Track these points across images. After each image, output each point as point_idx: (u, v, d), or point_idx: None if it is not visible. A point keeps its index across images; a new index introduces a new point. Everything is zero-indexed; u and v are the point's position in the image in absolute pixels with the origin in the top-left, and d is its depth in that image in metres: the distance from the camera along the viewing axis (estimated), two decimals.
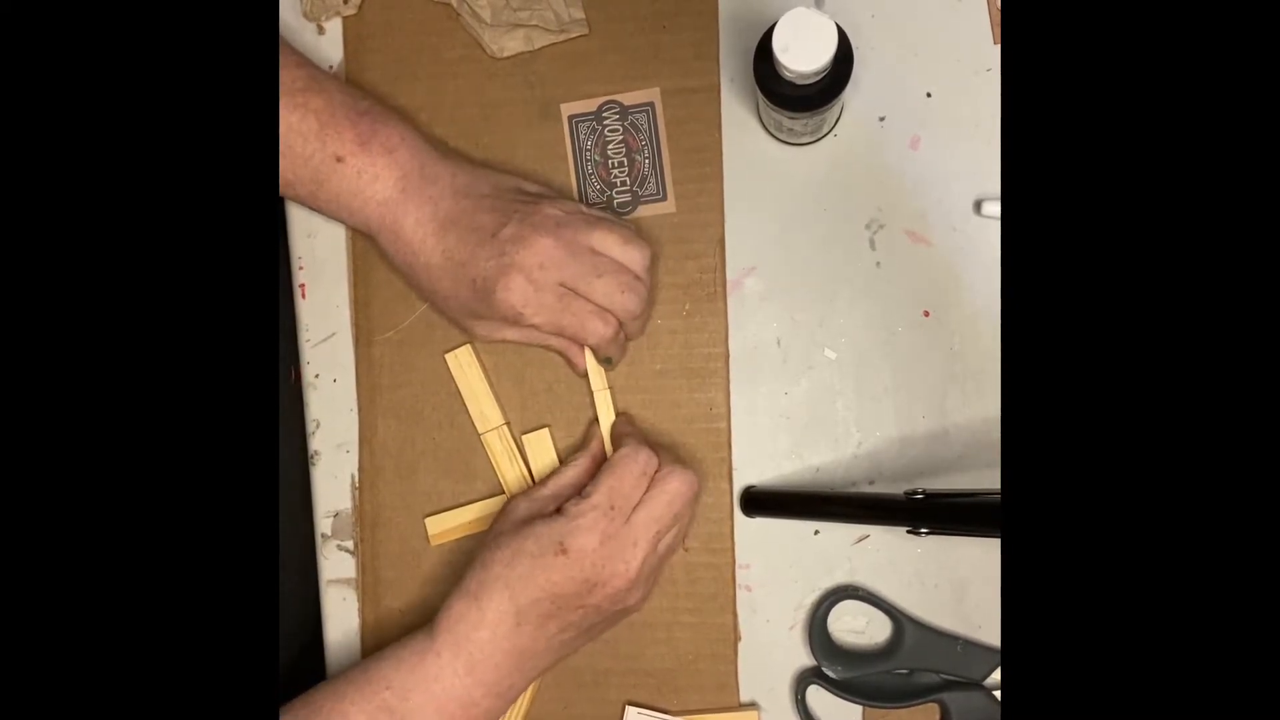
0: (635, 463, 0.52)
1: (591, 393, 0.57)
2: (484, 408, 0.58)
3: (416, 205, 0.53)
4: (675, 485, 0.52)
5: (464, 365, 0.58)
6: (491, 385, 0.58)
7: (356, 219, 0.54)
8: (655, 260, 0.55)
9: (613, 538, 0.50)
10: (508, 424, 0.58)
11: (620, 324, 0.54)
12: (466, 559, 0.58)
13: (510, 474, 0.58)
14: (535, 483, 0.57)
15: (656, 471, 0.52)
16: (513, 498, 0.55)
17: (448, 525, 0.58)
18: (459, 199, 0.53)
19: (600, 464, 0.54)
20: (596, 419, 0.57)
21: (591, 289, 0.52)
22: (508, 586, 0.50)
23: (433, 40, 0.59)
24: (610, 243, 0.53)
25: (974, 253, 0.56)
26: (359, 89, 0.56)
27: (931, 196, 0.56)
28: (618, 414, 0.57)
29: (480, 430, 0.58)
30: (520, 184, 0.55)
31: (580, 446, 0.57)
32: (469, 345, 0.58)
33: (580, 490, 0.53)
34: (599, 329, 0.53)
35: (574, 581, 0.50)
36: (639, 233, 0.55)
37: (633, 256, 0.53)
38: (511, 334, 0.55)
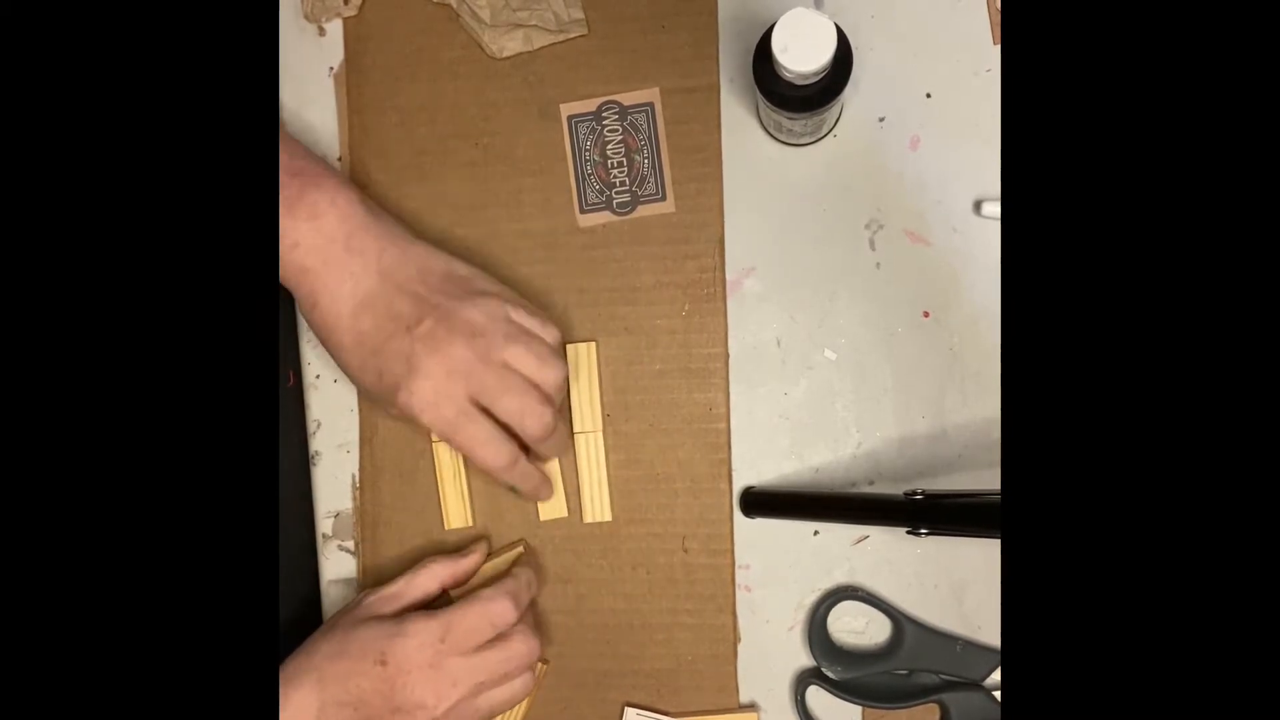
0: (490, 605, 0.51)
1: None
2: None
3: (336, 280, 0.50)
4: (517, 646, 0.51)
5: None
6: None
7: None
8: (566, 382, 0.54)
9: (434, 668, 0.49)
10: None
11: (519, 453, 0.52)
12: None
13: (450, 491, 0.58)
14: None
15: (511, 627, 0.51)
16: (368, 590, 0.54)
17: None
18: (382, 280, 0.51)
19: (461, 578, 0.54)
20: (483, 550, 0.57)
21: (494, 405, 0.51)
22: (320, 680, 0.49)
23: (433, 40, 0.59)
24: (526, 362, 0.51)
25: (974, 253, 0.56)
26: (306, 148, 0.53)
27: (931, 197, 0.56)
28: (524, 551, 0.57)
29: (434, 439, 0.58)
30: (452, 267, 0.53)
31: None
32: None
33: (428, 602, 0.52)
34: (489, 457, 0.51)
35: (381, 696, 0.49)
36: (557, 349, 0.54)
37: (546, 377, 0.52)
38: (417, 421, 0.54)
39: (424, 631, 0.50)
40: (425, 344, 0.50)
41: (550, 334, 0.54)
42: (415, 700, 0.49)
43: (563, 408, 0.56)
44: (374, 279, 0.51)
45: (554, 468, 0.58)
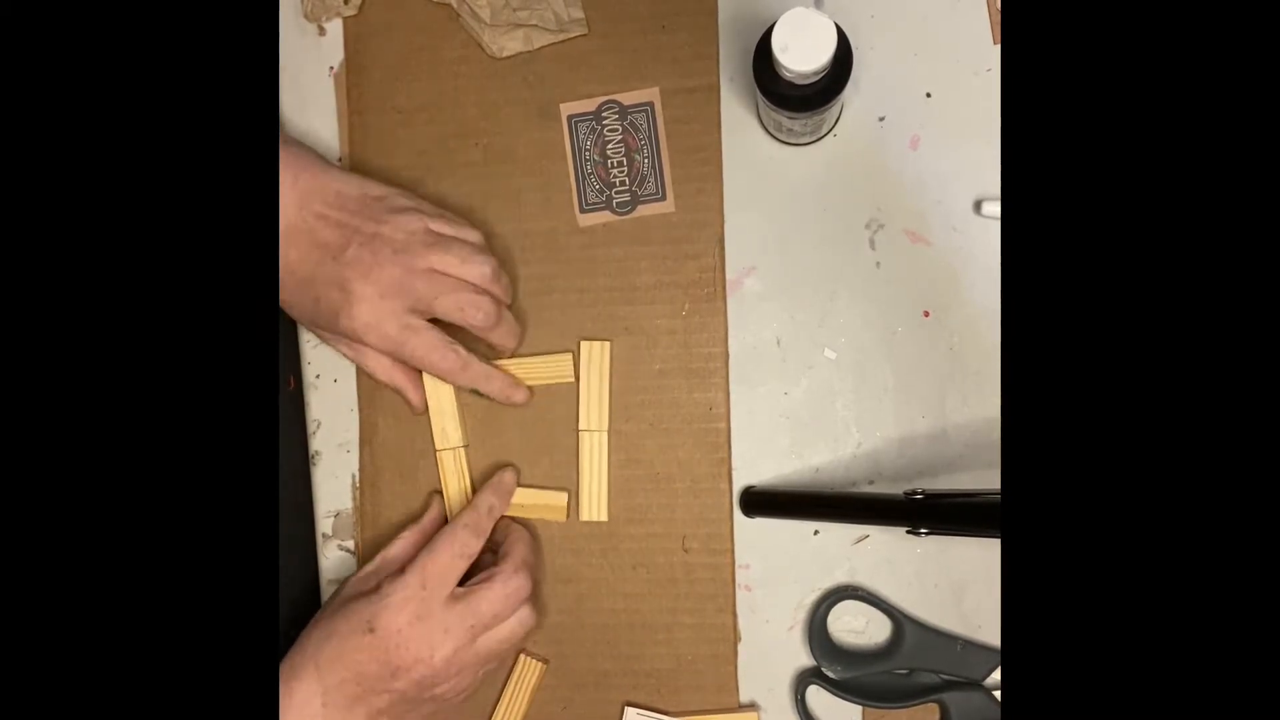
0: (453, 542, 0.51)
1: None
2: (446, 425, 0.58)
3: None
4: (498, 588, 0.51)
5: (437, 382, 0.57)
6: (461, 408, 0.58)
7: None
8: (500, 269, 0.54)
9: (421, 619, 0.49)
10: (466, 447, 0.58)
11: (470, 355, 0.53)
12: None
13: (454, 494, 0.58)
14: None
15: (494, 567, 0.52)
16: (347, 577, 0.55)
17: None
18: (300, 209, 0.52)
19: (430, 534, 0.54)
20: (440, 490, 0.58)
21: (433, 309, 0.52)
22: (317, 668, 0.49)
23: (433, 40, 0.59)
24: (448, 263, 0.52)
25: (974, 253, 0.56)
26: None
27: (931, 196, 0.56)
28: (497, 504, 0.56)
29: (437, 447, 0.58)
30: (365, 189, 0.54)
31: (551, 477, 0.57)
32: None
33: (401, 567, 0.52)
34: (440, 361, 0.53)
35: (378, 663, 0.49)
36: (481, 245, 0.55)
37: (471, 272, 0.52)
38: (348, 351, 0.56)
39: (401, 588, 0.50)
40: (354, 269, 0.51)
41: (471, 234, 0.55)
42: (411, 656, 0.49)
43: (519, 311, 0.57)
44: (294, 209, 0.52)
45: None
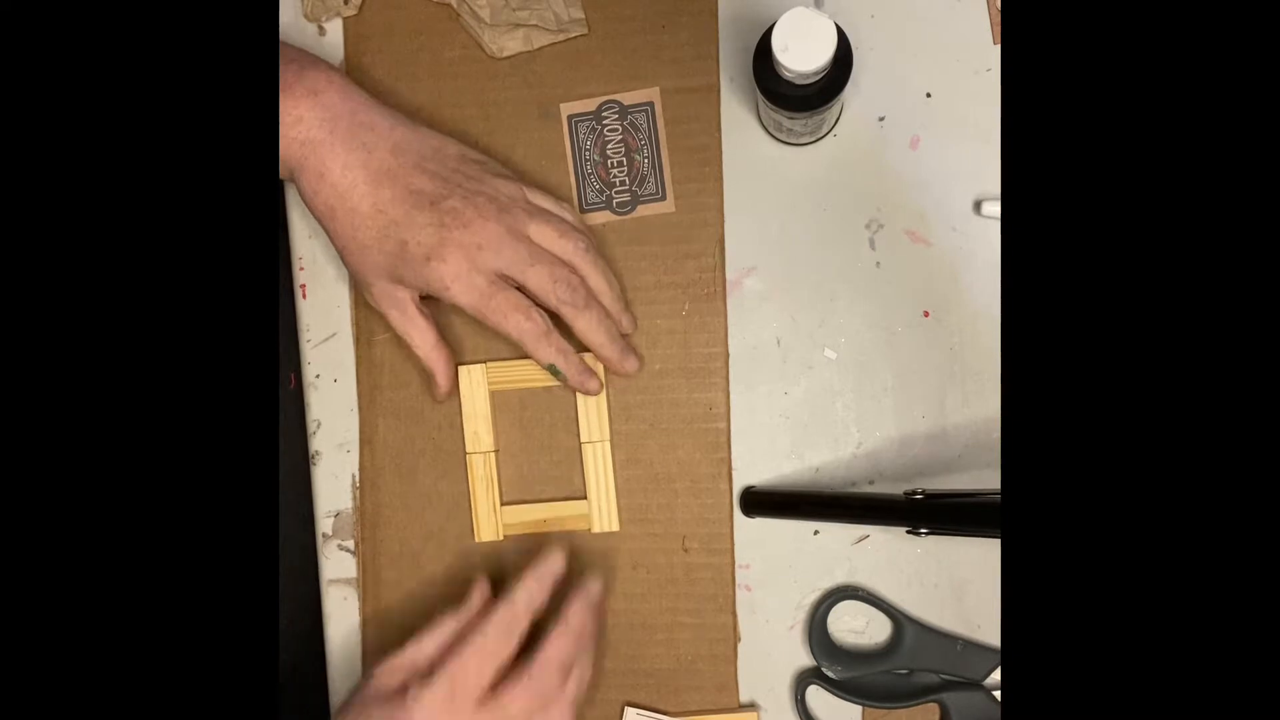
0: (482, 647, 0.47)
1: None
2: (479, 429, 0.57)
3: (346, 149, 0.50)
4: (536, 684, 0.47)
5: (474, 383, 0.57)
6: (494, 412, 0.58)
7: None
8: (597, 251, 0.53)
9: None
10: (496, 452, 0.58)
11: (552, 325, 0.52)
12: (465, 560, 0.58)
13: (483, 503, 0.58)
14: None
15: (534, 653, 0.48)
16: (375, 661, 0.50)
17: (521, 519, 0.58)
18: (397, 154, 0.50)
19: (474, 624, 0.49)
20: (482, 575, 0.53)
21: (525, 277, 0.51)
22: None
23: (433, 40, 0.59)
24: (547, 235, 0.51)
25: (974, 253, 0.56)
26: (297, 47, 0.54)
27: (931, 196, 0.56)
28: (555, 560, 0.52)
29: (468, 449, 0.58)
30: (463, 150, 0.53)
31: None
32: (484, 365, 0.57)
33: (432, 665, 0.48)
34: (521, 322, 0.51)
35: None
36: (578, 223, 0.54)
37: (567, 247, 0.52)
38: (396, 314, 0.53)
39: (429, 696, 0.46)
40: (455, 217, 0.49)
41: (568, 212, 0.54)
42: None
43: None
44: (388, 152, 0.50)
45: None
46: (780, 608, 0.57)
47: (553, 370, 0.54)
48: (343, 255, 0.53)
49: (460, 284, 0.50)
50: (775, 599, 0.57)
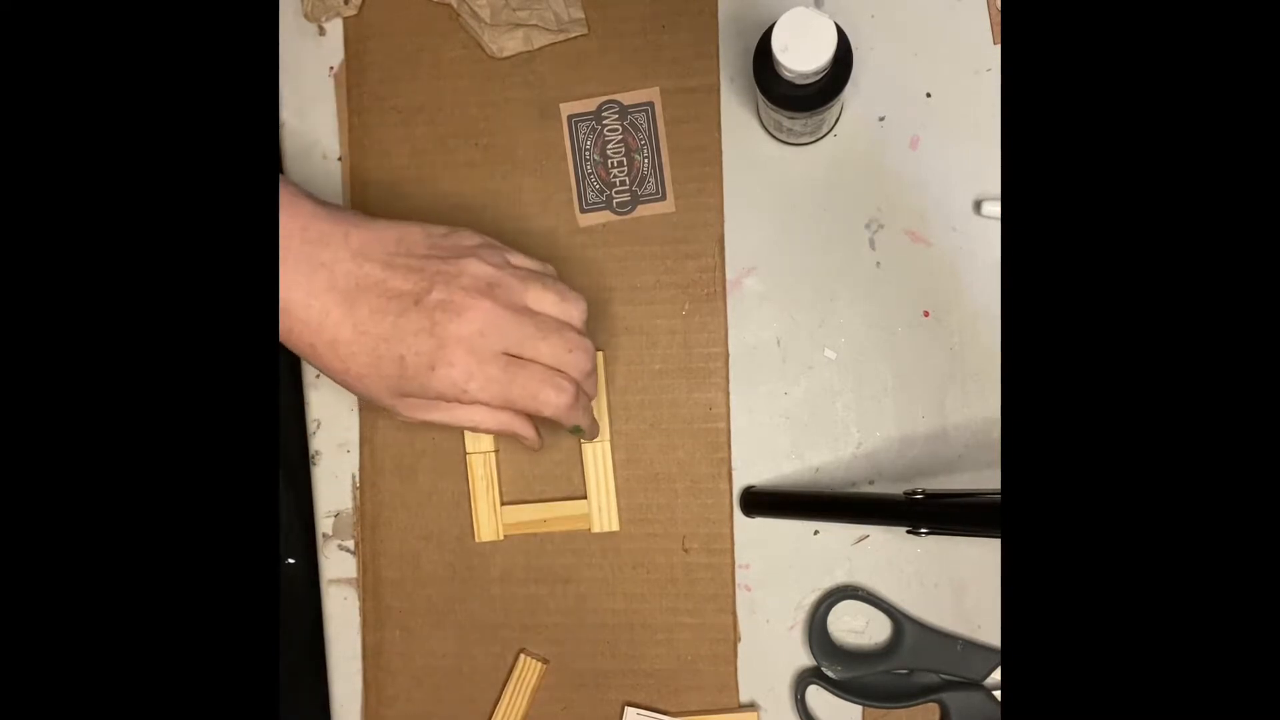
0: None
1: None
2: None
3: (304, 274, 0.44)
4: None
5: None
6: None
7: None
8: (586, 310, 0.50)
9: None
10: (496, 452, 0.58)
11: (577, 386, 0.48)
12: (467, 559, 0.58)
13: (483, 504, 0.58)
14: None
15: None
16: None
17: (521, 518, 0.58)
18: (361, 263, 0.45)
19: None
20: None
21: (538, 352, 0.46)
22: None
23: (433, 40, 0.59)
24: (547, 301, 0.47)
25: (974, 253, 0.56)
26: None
27: (931, 196, 0.56)
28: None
29: (468, 450, 0.58)
30: (427, 230, 0.48)
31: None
32: None
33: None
34: (553, 397, 0.47)
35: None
36: (568, 284, 0.50)
37: (571, 312, 0.48)
38: (440, 415, 0.48)
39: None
40: (443, 311, 0.45)
41: (550, 269, 0.51)
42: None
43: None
44: (350, 263, 0.45)
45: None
46: (780, 608, 0.57)
47: (576, 431, 0.51)
48: (345, 388, 0.48)
49: (476, 382, 0.45)
50: (775, 599, 0.57)
